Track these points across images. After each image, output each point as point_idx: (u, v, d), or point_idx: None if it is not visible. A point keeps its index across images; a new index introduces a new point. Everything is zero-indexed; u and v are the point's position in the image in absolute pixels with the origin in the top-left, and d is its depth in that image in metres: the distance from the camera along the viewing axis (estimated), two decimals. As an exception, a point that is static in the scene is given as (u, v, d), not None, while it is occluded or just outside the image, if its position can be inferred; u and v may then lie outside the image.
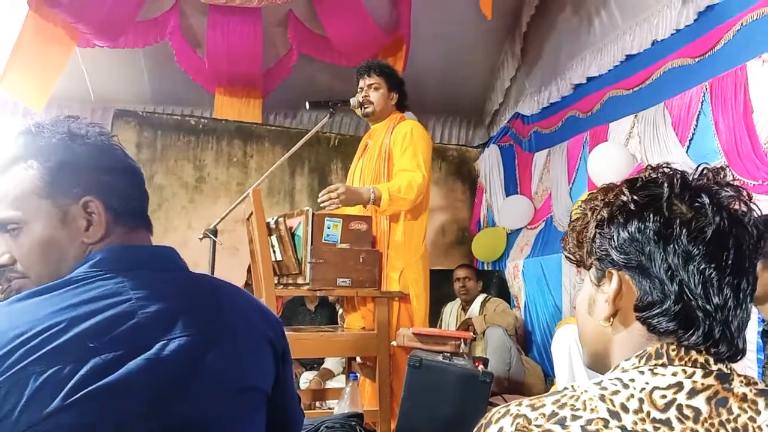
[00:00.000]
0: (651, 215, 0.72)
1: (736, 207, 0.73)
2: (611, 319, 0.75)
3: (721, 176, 0.75)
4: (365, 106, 2.90)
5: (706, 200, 0.71)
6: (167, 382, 0.82)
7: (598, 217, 0.77)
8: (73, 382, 0.75)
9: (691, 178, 0.75)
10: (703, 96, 2.97)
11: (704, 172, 0.75)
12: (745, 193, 0.74)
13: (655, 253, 0.71)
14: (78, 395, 0.75)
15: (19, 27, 3.88)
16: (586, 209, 0.80)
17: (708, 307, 0.70)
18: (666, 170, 0.76)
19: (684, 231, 0.70)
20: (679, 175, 0.75)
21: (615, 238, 0.74)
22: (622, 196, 0.75)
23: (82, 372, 0.76)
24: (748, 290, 0.72)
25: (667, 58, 3.29)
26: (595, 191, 0.81)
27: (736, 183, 0.75)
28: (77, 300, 0.82)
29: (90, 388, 0.76)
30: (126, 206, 0.96)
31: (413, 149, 2.76)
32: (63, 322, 0.79)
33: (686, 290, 0.70)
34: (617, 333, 0.76)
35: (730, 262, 0.70)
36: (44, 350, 0.76)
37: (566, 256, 0.85)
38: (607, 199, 0.77)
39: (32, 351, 0.75)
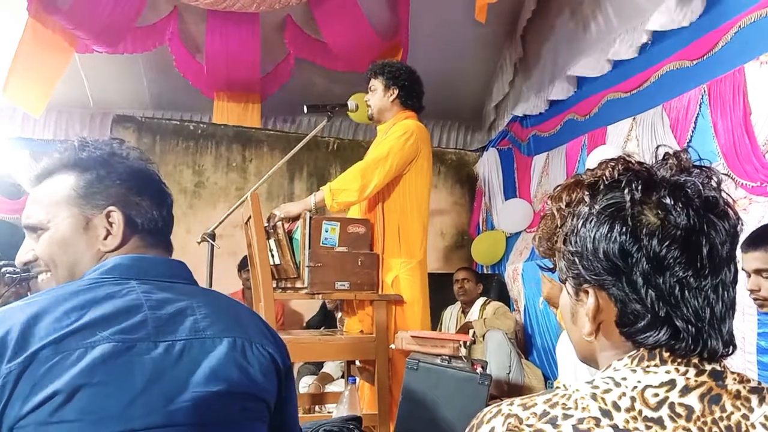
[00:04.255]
0: (617, 227, 0.68)
1: (707, 194, 0.69)
2: (594, 334, 0.73)
3: (685, 159, 0.72)
4: (368, 110, 2.86)
5: (671, 201, 0.68)
6: (170, 381, 0.86)
7: (565, 230, 0.74)
8: (78, 367, 0.80)
9: (654, 172, 0.71)
10: (702, 98, 2.97)
11: (667, 158, 0.72)
12: (714, 175, 0.71)
13: (625, 268, 0.69)
14: (80, 381, 0.79)
15: (19, 36, 3.90)
16: (553, 209, 0.77)
17: (688, 313, 0.68)
18: (628, 166, 0.72)
19: (654, 241, 0.67)
20: (641, 174, 0.71)
21: (583, 255, 0.71)
22: (584, 206, 0.72)
23: (88, 358, 0.81)
24: (728, 281, 0.70)
25: (664, 61, 3.29)
26: (559, 188, 0.77)
27: (702, 163, 0.72)
28: (87, 297, 0.88)
29: (94, 376, 0.80)
30: (148, 225, 1.02)
31: (383, 143, 2.69)
32: (72, 314, 0.84)
33: (664, 300, 0.68)
34: (603, 350, 0.74)
35: (705, 261, 0.67)
36: (52, 338, 0.80)
37: (541, 267, 0.83)
38: (570, 208, 0.74)
39: (40, 339, 0.80)
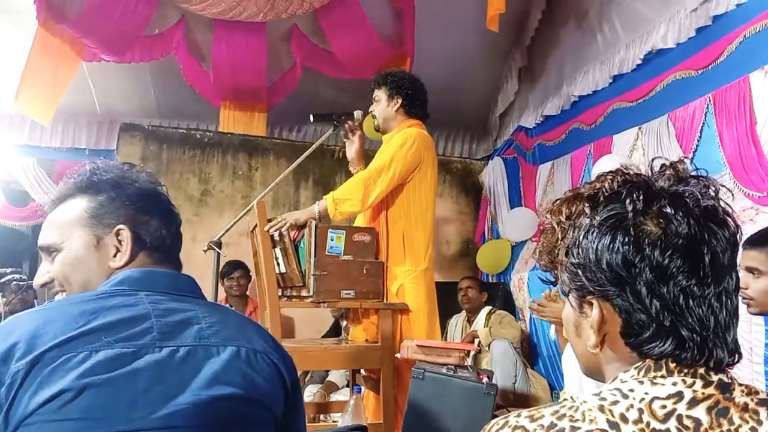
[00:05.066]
0: (619, 237, 0.69)
1: (705, 203, 0.70)
2: (600, 346, 0.73)
3: (682, 169, 0.72)
4: (374, 121, 2.87)
5: (672, 210, 0.68)
6: (172, 383, 0.88)
7: (567, 242, 0.74)
8: (82, 368, 0.83)
9: (653, 183, 0.72)
10: (707, 107, 2.97)
11: (663, 170, 0.73)
12: (711, 184, 0.71)
13: (629, 278, 0.69)
14: (85, 380, 0.82)
15: (29, 46, 3.94)
16: (553, 223, 0.77)
17: (693, 322, 0.68)
18: (626, 178, 0.73)
19: (656, 250, 0.68)
20: (641, 185, 0.71)
21: (586, 267, 0.71)
22: (584, 217, 0.73)
23: (92, 361, 0.84)
24: (731, 288, 0.70)
25: (670, 70, 3.29)
26: (558, 201, 0.78)
27: (699, 173, 0.72)
28: (96, 306, 0.91)
29: (98, 377, 0.83)
30: (156, 242, 1.07)
31: (385, 152, 2.70)
32: (80, 320, 0.87)
33: (668, 309, 0.68)
34: (609, 362, 0.74)
35: (707, 270, 0.68)
36: (58, 340, 0.84)
37: (542, 280, 0.83)
38: (571, 221, 0.74)
39: (47, 341, 0.84)
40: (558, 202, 0.78)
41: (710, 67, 3.00)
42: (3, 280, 3.50)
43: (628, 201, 0.70)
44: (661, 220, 0.68)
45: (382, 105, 2.82)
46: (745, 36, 2.76)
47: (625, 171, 0.74)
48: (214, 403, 0.90)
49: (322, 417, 3.10)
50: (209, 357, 0.94)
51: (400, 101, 2.80)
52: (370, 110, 2.87)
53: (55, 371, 0.82)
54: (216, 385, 0.91)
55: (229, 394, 0.92)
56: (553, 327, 2.68)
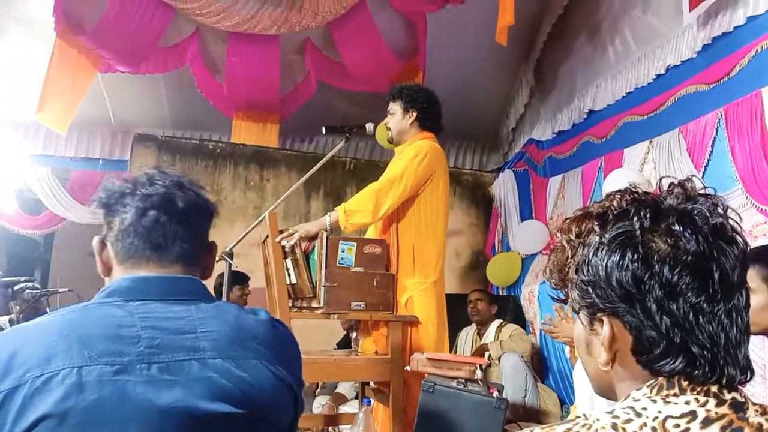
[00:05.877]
0: (628, 254, 0.69)
1: (714, 220, 0.70)
2: (611, 364, 0.73)
3: (690, 187, 0.73)
4: (388, 133, 2.88)
5: (680, 227, 0.69)
6: (165, 403, 0.83)
7: (577, 260, 0.75)
8: (63, 389, 0.79)
9: (661, 201, 0.72)
10: (718, 122, 2.96)
11: (672, 188, 0.73)
12: (719, 202, 0.72)
13: (638, 295, 0.69)
14: (68, 404, 0.78)
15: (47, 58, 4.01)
16: (563, 240, 0.78)
17: (703, 338, 0.68)
18: (634, 196, 0.74)
19: (665, 267, 0.68)
20: (649, 203, 0.72)
21: (596, 284, 0.72)
22: (594, 235, 0.73)
23: (73, 379, 0.80)
24: (741, 305, 0.70)
25: (681, 84, 3.29)
26: (568, 220, 0.79)
27: (707, 191, 0.73)
28: (78, 317, 0.88)
29: (81, 398, 0.79)
30: (121, 242, 1.01)
31: (397, 164, 2.71)
32: (57, 334, 0.84)
33: (678, 326, 0.68)
34: (621, 380, 0.74)
35: (717, 287, 0.68)
36: (37, 360, 0.80)
37: (553, 298, 0.83)
38: (580, 239, 0.75)
39: (26, 361, 0.80)
40: (568, 220, 0.79)
41: (722, 81, 3.00)
42: (16, 288, 3.52)
43: (636, 219, 0.71)
44: (670, 238, 0.69)
45: (397, 118, 2.84)
46: (757, 51, 2.77)
47: (633, 189, 0.75)
48: (209, 422, 0.85)
49: (330, 429, 3.10)
50: (204, 371, 0.88)
51: (414, 115, 2.82)
52: (384, 122, 2.89)
53: (37, 393, 0.78)
54: (212, 403, 0.86)
55: (226, 413, 0.86)
56: (567, 347, 2.66)
